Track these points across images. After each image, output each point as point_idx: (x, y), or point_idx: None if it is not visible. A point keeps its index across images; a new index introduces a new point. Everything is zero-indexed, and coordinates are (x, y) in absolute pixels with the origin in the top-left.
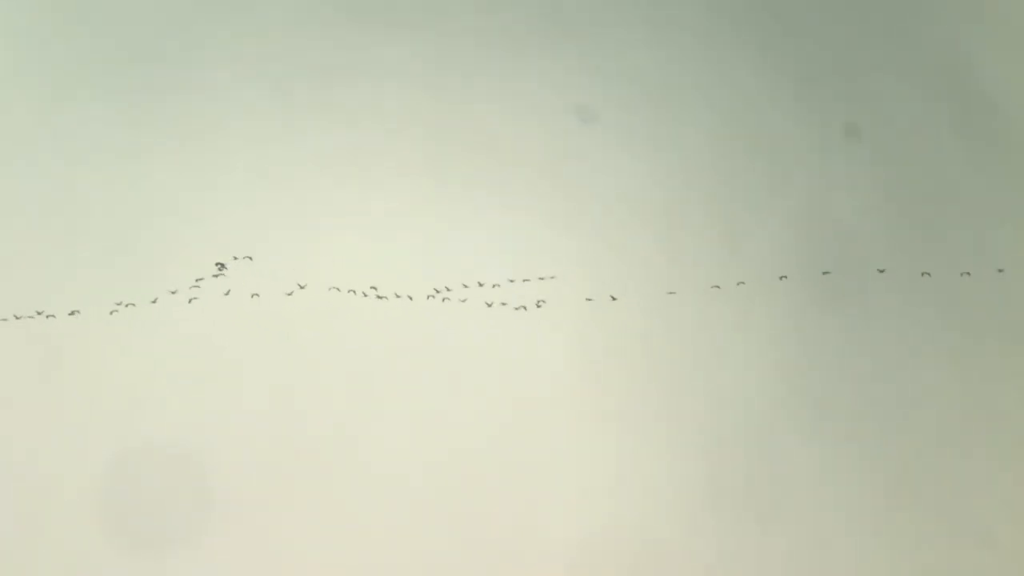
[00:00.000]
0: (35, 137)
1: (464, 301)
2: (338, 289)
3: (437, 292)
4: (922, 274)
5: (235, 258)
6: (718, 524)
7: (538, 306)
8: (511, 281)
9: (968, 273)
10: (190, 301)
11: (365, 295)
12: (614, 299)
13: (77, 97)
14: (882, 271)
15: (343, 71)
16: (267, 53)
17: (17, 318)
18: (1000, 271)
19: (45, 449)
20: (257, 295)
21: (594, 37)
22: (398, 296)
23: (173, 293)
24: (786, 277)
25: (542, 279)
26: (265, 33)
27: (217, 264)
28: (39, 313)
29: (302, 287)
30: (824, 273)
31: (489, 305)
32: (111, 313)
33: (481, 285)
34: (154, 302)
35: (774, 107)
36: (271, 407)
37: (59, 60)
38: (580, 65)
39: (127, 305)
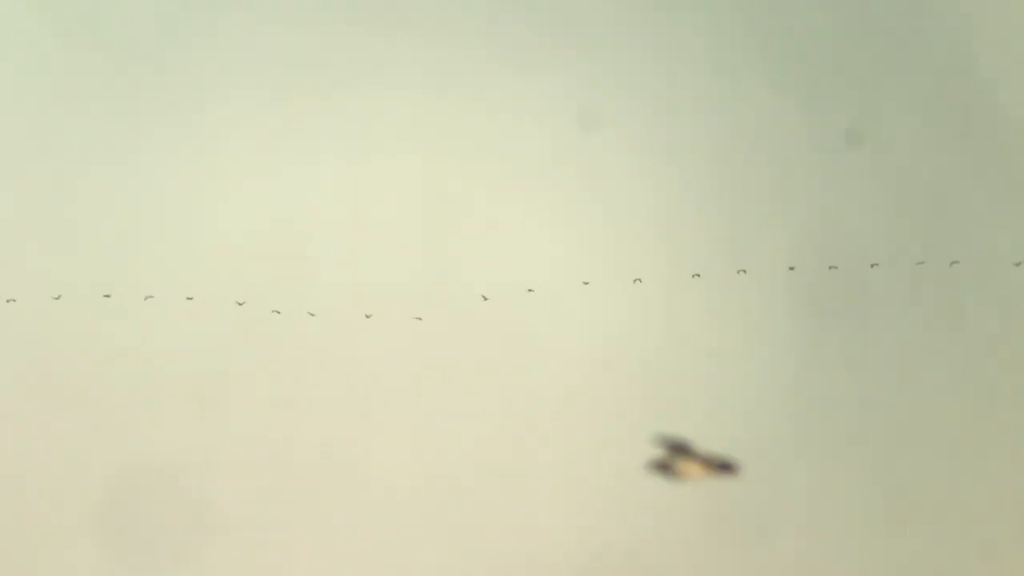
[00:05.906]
0: (32, 140)
1: (466, 305)
2: (337, 293)
3: (440, 296)
4: (920, 263)
5: (234, 262)
6: (729, 530)
7: (537, 308)
8: (512, 285)
9: (975, 272)
10: (185, 302)
11: (366, 299)
12: (628, 286)
13: (76, 98)
14: (875, 265)
15: (346, 75)
16: (269, 57)
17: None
18: (1016, 264)
19: (38, 459)
20: (256, 296)
21: (598, 43)
22: (399, 299)
23: (166, 298)
24: (793, 268)
25: (543, 280)
26: (267, 37)
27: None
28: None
29: (301, 291)
30: (831, 268)
31: (490, 308)
32: (107, 318)
33: (483, 291)
34: (148, 304)
35: (779, 111)
36: (268, 416)
37: (58, 61)
38: (585, 69)
39: (123, 310)
